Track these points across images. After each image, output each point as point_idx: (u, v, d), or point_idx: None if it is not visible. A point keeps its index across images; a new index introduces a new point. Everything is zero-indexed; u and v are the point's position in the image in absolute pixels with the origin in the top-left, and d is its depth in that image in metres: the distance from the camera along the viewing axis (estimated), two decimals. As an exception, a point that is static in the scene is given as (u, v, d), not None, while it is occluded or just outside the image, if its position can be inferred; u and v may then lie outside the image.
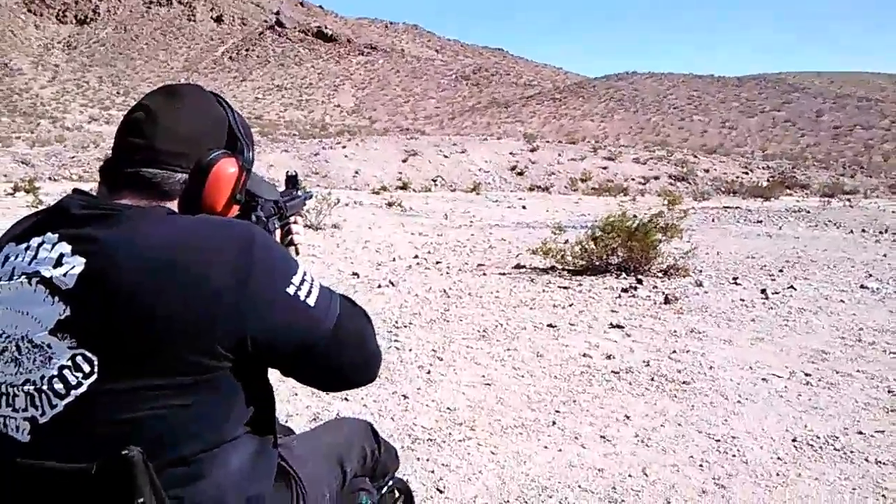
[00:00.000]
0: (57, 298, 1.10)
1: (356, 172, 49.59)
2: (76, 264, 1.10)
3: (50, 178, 41.10)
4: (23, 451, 1.11)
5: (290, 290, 1.18)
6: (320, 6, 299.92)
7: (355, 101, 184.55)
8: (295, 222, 1.79)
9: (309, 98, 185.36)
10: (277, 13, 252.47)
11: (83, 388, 1.08)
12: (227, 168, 1.30)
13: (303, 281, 1.21)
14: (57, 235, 1.14)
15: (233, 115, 1.36)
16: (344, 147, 55.22)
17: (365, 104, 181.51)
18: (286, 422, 3.75)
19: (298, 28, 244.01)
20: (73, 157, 50.83)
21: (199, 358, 1.10)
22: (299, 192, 1.88)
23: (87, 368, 1.08)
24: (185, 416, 1.11)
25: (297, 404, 4.05)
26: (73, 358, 1.08)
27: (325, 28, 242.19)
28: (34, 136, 77.94)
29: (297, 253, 1.79)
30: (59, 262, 1.11)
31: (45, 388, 1.09)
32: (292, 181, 1.90)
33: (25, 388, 1.10)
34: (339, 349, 1.25)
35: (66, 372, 1.08)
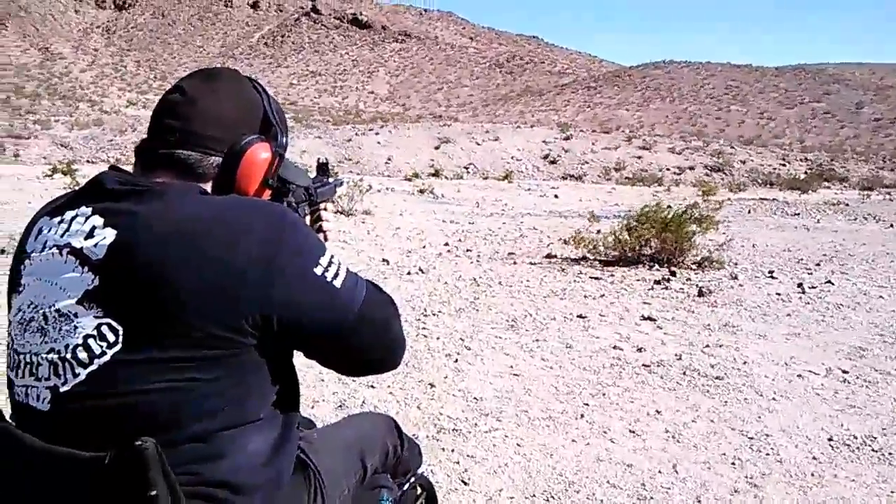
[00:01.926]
0: (86, 269, 1.11)
1: (388, 159, 49.68)
2: (107, 236, 1.11)
3: (88, 161, 41.72)
4: (42, 420, 1.11)
5: (318, 270, 1.18)
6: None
7: (389, 88, 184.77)
8: (325, 209, 1.77)
9: (343, 84, 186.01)
10: (313, 0, 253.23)
11: (107, 358, 1.08)
12: (261, 153, 1.29)
13: (330, 263, 1.20)
14: (91, 209, 1.16)
15: (268, 100, 1.36)
16: (377, 133, 55.37)
17: (398, 91, 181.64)
18: (312, 408, 3.73)
19: (334, 15, 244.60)
20: (110, 141, 51.58)
21: (223, 332, 1.09)
22: (330, 180, 1.85)
23: (111, 338, 1.08)
24: (208, 391, 1.11)
25: (324, 390, 4.02)
26: (98, 327, 1.08)
27: (361, 15, 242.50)
28: (73, 119, 79.11)
29: (326, 239, 1.78)
30: (90, 235, 1.12)
31: (68, 356, 1.10)
32: (323, 168, 1.88)
33: (49, 356, 1.11)
34: (364, 333, 1.24)
35: (90, 341, 1.09)
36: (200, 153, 1.23)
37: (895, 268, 9.26)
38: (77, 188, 1.25)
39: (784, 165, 55.60)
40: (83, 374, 1.09)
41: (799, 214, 18.42)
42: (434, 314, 6.04)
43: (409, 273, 8.12)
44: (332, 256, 1.22)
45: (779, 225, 15.53)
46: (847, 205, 21.60)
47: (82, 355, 1.09)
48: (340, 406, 3.81)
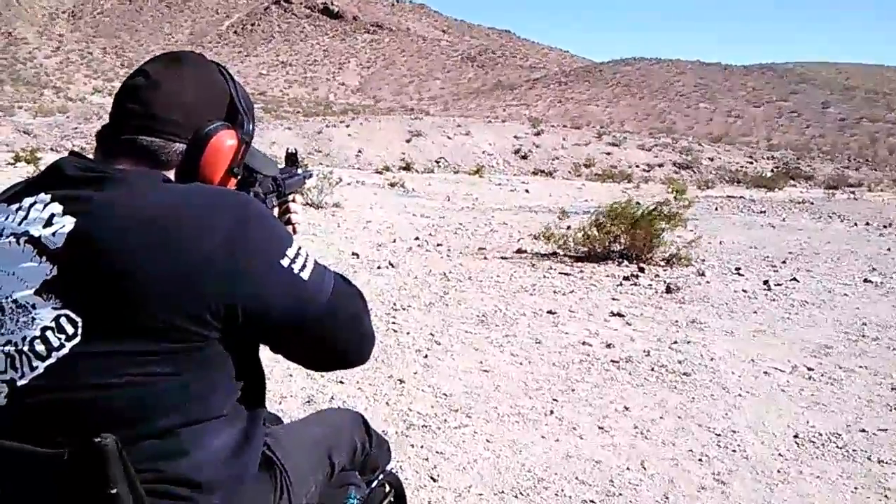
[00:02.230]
0: (44, 258, 1.07)
1: (359, 152, 49.46)
2: (66, 224, 1.07)
3: (52, 149, 40.87)
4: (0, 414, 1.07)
5: (284, 262, 1.14)
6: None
7: (360, 80, 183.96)
8: (293, 200, 1.75)
9: (313, 75, 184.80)
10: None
11: (65, 350, 1.05)
12: (226, 140, 1.26)
13: (297, 255, 1.17)
14: (49, 196, 1.12)
15: (234, 86, 1.32)
16: (347, 126, 55.09)
17: (370, 83, 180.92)
18: (279, 404, 3.69)
19: (305, 4, 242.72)
20: (75, 129, 50.74)
21: (186, 324, 1.06)
22: (299, 171, 1.82)
23: (70, 330, 1.05)
24: (170, 386, 1.07)
25: (292, 386, 3.98)
26: (56, 319, 1.05)
27: (331, 4, 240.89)
28: (37, 105, 77.75)
29: (295, 232, 1.75)
30: (48, 223, 1.09)
31: (25, 349, 1.06)
32: (292, 159, 1.85)
33: (6, 349, 1.07)
34: (332, 326, 1.21)
35: (48, 333, 1.05)
36: (164, 139, 1.19)
37: (859, 266, 9.41)
38: (35, 174, 1.21)
39: (751, 163, 56.33)
40: (41, 367, 1.05)
41: (765, 212, 18.65)
42: (404, 308, 6.02)
43: (379, 267, 8.07)
44: (299, 248, 1.19)
45: (745, 222, 15.70)
46: (812, 203, 21.91)
47: (40, 348, 1.05)
48: (308, 402, 3.78)
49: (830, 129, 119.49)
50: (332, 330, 1.22)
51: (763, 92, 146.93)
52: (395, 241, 10.66)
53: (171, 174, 1.21)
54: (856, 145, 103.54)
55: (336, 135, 51.87)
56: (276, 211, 1.68)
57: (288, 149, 1.90)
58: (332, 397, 3.85)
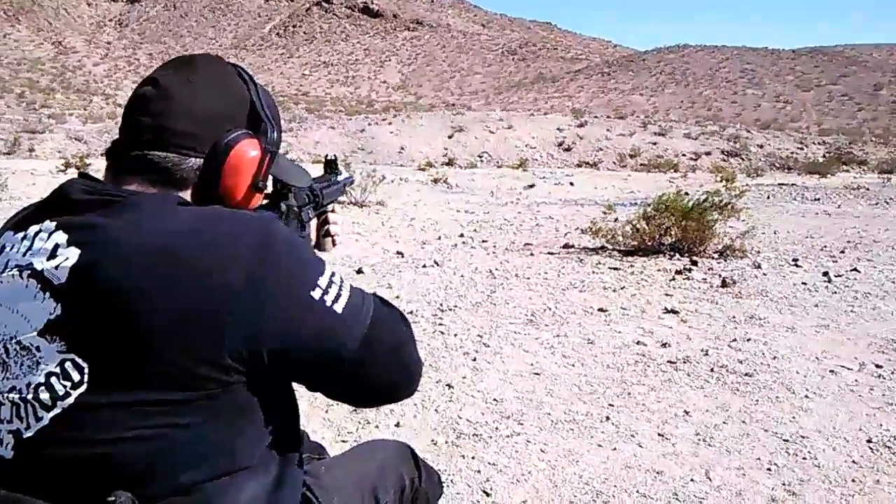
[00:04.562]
0: (48, 294, 0.95)
1: (402, 148, 49.51)
2: (70, 256, 0.96)
3: (102, 155, 41.67)
4: (6, 467, 0.96)
5: (315, 294, 1.01)
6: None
7: (401, 77, 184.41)
8: (332, 210, 1.61)
9: (355, 74, 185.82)
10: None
11: (71, 400, 0.93)
12: (248, 151, 1.12)
13: (330, 283, 1.04)
14: (54, 224, 1.00)
15: (256, 90, 1.18)
16: (390, 123, 55.18)
17: (411, 80, 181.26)
18: (326, 412, 3.59)
19: (345, 4, 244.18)
20: (124, 133, 51.70)
21: (204, 370, 0.93)
22: (339, 178, 1.69)
23: (76, 377, 0.93)
24: (190, 438, 0.95)
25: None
26: (61, 364, 0.94)
27: (371, 3, 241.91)
28: (87, 112, 79.55)
29: (335, 244, 1.63)
30: (53, 254, 0.97)
31: (30, 397, 0.95)
32: (331, 165, 1.71)
33: (11, 395, 0.96)
34: (372, 361, 1.07)
35: (53, 380, 0.94)
36: (178, 154, 1.07)
37: (922, 254, 9.01)
38: (43, 198, 1.08)
39: (802, 149, 54.91)
40: (46, 418, 0.94)
41: (819, 199, 18.11)
42: (451, 309, 5.89)
43: (424, 266, 7.97)
44: (332, 275, 1.05)
45: (799, 211, 15.24)
46: (868, 189, 21.21)
47: (44, 396, 0.94)
48: (354, 410, 3.67)
49: (883, 113, 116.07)
50: (373, 366, 1.08)
51: (812, 76, 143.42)
52: (439, 238, 10.55)
53: (187, 194, 1.09)
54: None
55: (378, 132, 51.97)
56: (314, 223, 1.56)
57: (326, 155, 1.77)
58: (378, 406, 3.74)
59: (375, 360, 1.07)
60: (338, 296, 1.04)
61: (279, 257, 1.00)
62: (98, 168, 23.12)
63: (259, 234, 1.00)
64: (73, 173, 22.03)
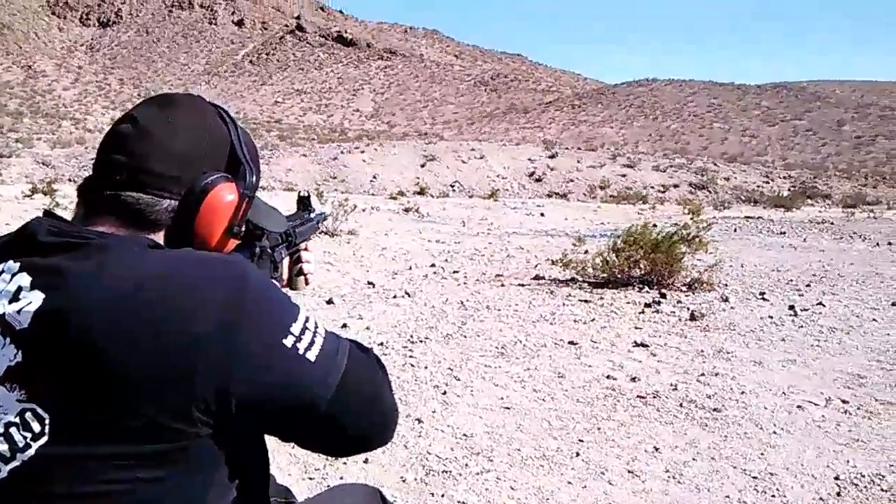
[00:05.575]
0: (8, 340, 0.92)
1: (374, 177, 49.48)
2: (33, 300, 0.91)
3: (70, 180, 41.17)
4: None
5: (288, 341, 0.97)
6: (340, 11, 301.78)
7: (374, 106, 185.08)
8: (306, 249, 1.58)
9: (328, 102, 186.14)
10: (298, 17, 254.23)
11: (31, 452, 0.89)
12: (225, 195, 1.10)
13: (304, 330, 1.00)
14: (18, 265, 0.96)
15: (236, 132, 1.15)
16: (362, 151, 55.15)
17: (384, 109, 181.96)
18: (292, 448, 3.54)
19: (318, 32, 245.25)
20: (93, 159, 51.14)
21: (171, 422, 0.90)
22: (312, 215, 1.66)
23: (36, 428, 0.89)
24: (156, 492, 0.92)
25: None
26: (21, 414, 0.90)
27: (345, 33, 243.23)
28: (55, 137, 78.65)
29: (307, 283, 1.60)
30: (15, 297, 0.93)
31: None
32: (304, 202, 1.69)
33: None
34: (346, 410, 1.03)
35: (13, 430, 0.90)
36: (152, 196, 1.04)
37: (885, 289, 9.17)
38: (5, 235, 1.04)
39: (767, 183, 55.79)
40: (5, 470, 0.90)
41: (785, 233, 18.40)
42: (421, 341, 5.86)
43: (395, 296, 7.94)
44: (306, 320, 1.02)
45: (766, 244, 15.46)
46: (832, 223, 21.62)
47: (3, 448, 0.90)
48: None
49: (846, 147, 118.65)
50: (348, 414, 1.04)
51: (777, 111, 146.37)
52: (410, 268, 10.53)
53: (159, 236, 1.06)
54: (872, 163, 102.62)
55: (351, 161, 51.91)
56: (286, 262, 1.54)
57: (300, 192, 1.75)
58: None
59: (350, 409, 1.04)
60: (311, 343, 1.00)
61: (251, 304, 0.97)
62: (66, 194, 22.82)
63: (232, 280, 0.98)
64: (39, 198, 21.64)
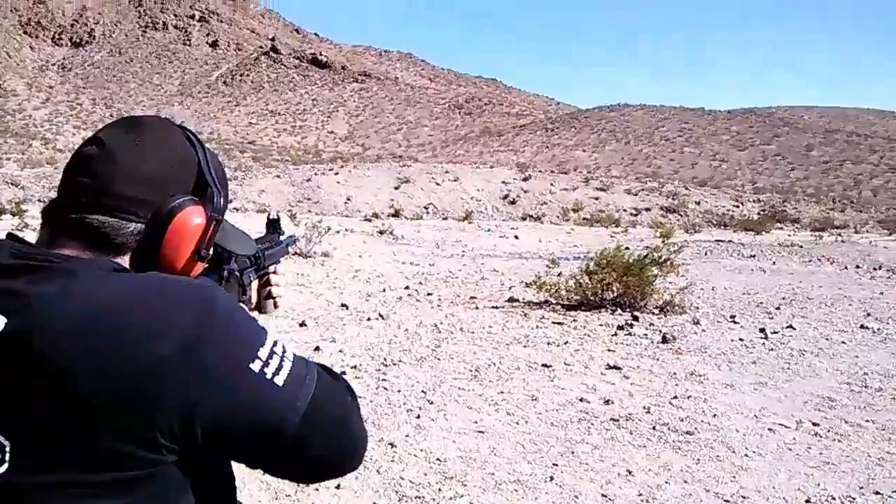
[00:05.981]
0: None
1: (348, 199, 49.42)
2: None
3: (39, 200, 40.63)
4: None
5: (255, 366, 0.95)
6: (315, 33, 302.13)
7: (349, 128, 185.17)
8: (275, 272, 1.56)
9: (302, 124, 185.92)
10: (272, 39, 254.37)
11: None
12: (192, 218, 1.07)
13: (271, 354, 0.98)
14: None
15: (204, 155, 1.13)
16: (336, 173, 55.10)
17: (358, 131, 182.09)
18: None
19: (293, 54, 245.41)
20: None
21: (136, 449, 0.88)
22: (282, 238, 1.64)
23: None
24: None
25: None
26: None
27: (320, 55, 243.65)
28: (25, 157, 77.75)
29: (276, 307, 1.57)
30: None
31: None
32: (274, 225, 1.66)
33: None
34: (314, 436, 1.00)
35: None
36: (118, 219, 1.01)
37: (854, 311, 9.30)
38: None
39: (737, 206, 56.54)
40: None
41: (755, 256, 18.61)
42: (395, 364, 5.83)
43: (368, 319, 7.90)
44: (273, 344, 1.00)
45: (736, 267, 15.63)
46: (801, 246, 21.91)
47: None
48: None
49: (814, 172, 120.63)
50: (316, 440, 1.01)
51: (747, 136, 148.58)
52: (384, 290, 10.50)
53: (125, 260, 1.03)
54: (840, 187, 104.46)
55: (325, 182, 51.82)
56: (255, 285, 1.52)
57: (269, 214, 1.72)
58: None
59: (318, 434, 1.01)
60: (279, 367, 0.98)
61: (219, 327, 0.95)
62: (35, 214, 22.50)
63: (199, 304, 0.96)
64: (7, 219, 21.28)
